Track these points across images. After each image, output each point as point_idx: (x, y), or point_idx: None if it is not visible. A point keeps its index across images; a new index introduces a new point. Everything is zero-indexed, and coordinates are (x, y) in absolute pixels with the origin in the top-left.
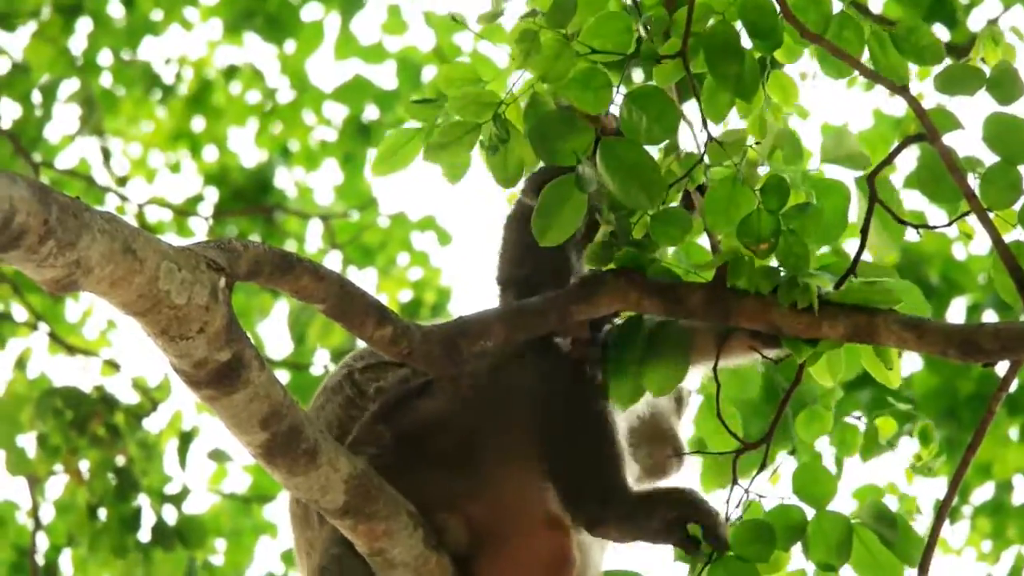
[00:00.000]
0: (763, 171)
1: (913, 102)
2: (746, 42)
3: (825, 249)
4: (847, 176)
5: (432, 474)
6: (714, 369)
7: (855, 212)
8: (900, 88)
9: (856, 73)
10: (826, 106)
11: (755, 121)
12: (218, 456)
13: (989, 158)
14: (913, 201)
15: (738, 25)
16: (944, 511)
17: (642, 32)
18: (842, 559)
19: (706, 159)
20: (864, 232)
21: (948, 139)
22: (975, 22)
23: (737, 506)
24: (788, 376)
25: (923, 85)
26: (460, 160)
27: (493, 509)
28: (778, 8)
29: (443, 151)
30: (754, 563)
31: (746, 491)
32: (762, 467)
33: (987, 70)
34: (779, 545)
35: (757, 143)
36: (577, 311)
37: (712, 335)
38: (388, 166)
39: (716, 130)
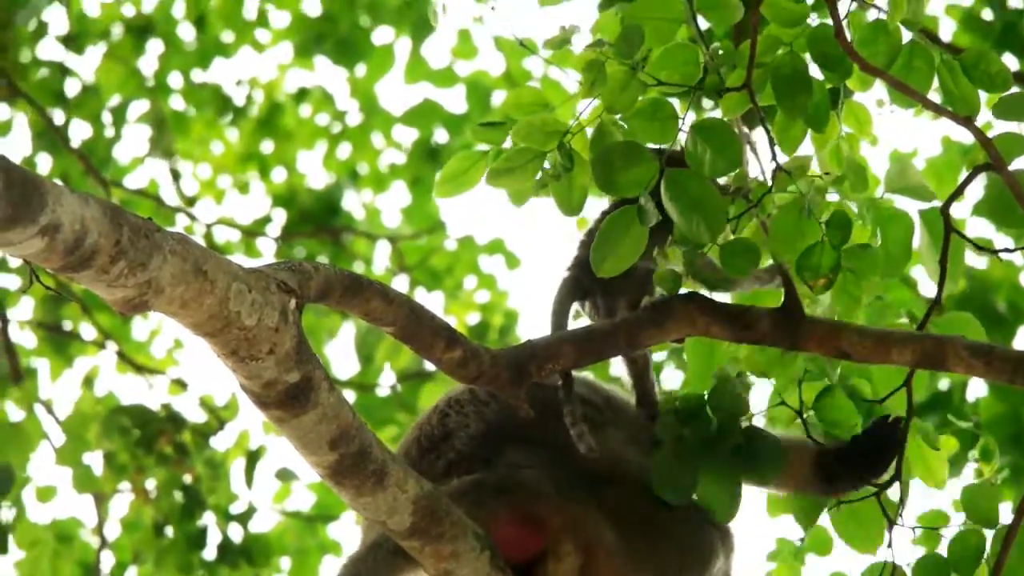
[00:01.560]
0: (831, 199)
1: (977, 132)
2: (816, 72)
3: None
4: (911, 206)
5: (588, 503)
6: (800, 418)
7: (918, 242)
8: (964, 120)
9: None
10: (895, 133)
11: (832, 152)
12: (285, 475)
13: None
14: (978, 228)
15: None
16: (1011, 537)
17: (708, 63)
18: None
19: (773, 188)
20: (943, 264)
21: (1020, 162)
22: None
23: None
24: None
25: (991, 114)
26: (524, 186)
27: (612, 568)
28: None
29: (507, 177)
30: None
31: (913, 529)
32: (901, 503)
33: None
34: (963, 572)
35: (827, 174)
36: (647, 336)
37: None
38: (452, 188)
39: (782, 158)
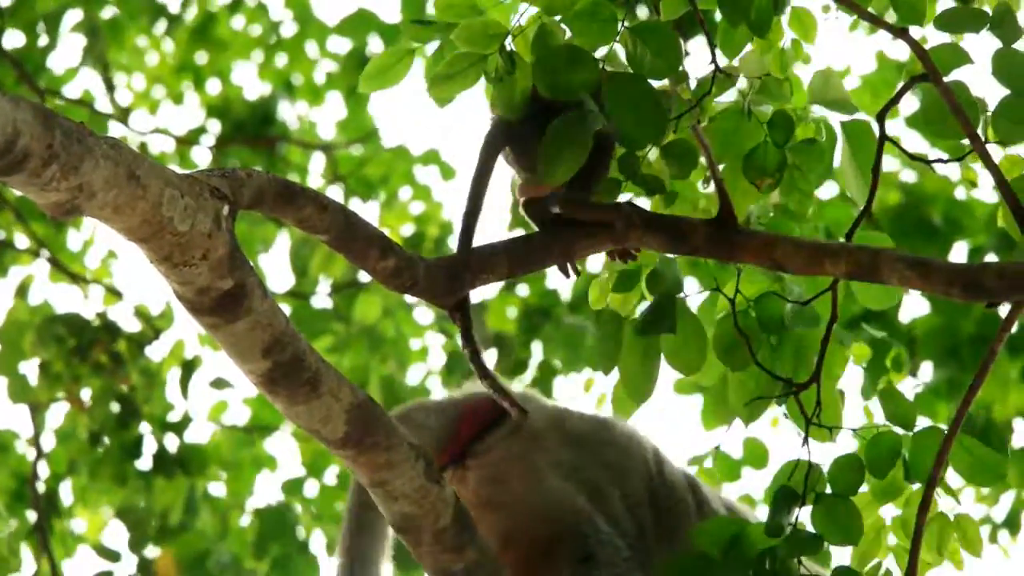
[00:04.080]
0: (764, 109)
1: (914, 44)
2: None
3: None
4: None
5: None
6: (736, 325)
7: (839, 155)
8: (900, 31)
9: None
10: (829, 50)
11: (775, 57)
12: (220, 385)
13: (997, 94)
14: (914, 143)
15: None
16: (944, 452)
17: None
18: (945, 467)
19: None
20: (876, 171)
21: (959, 74)
22: None
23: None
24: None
25: (925, 29)
26: (464, 89)
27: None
28: None
29: (449, 82)
30: (849, 497)
31: (831, 429)
32: (817, 406)
33: (988, 11)
34: (877, 473)
35: (767, 75)
36: (581, 248)
37: None
38: (377, 83)
39: (721, 61)
